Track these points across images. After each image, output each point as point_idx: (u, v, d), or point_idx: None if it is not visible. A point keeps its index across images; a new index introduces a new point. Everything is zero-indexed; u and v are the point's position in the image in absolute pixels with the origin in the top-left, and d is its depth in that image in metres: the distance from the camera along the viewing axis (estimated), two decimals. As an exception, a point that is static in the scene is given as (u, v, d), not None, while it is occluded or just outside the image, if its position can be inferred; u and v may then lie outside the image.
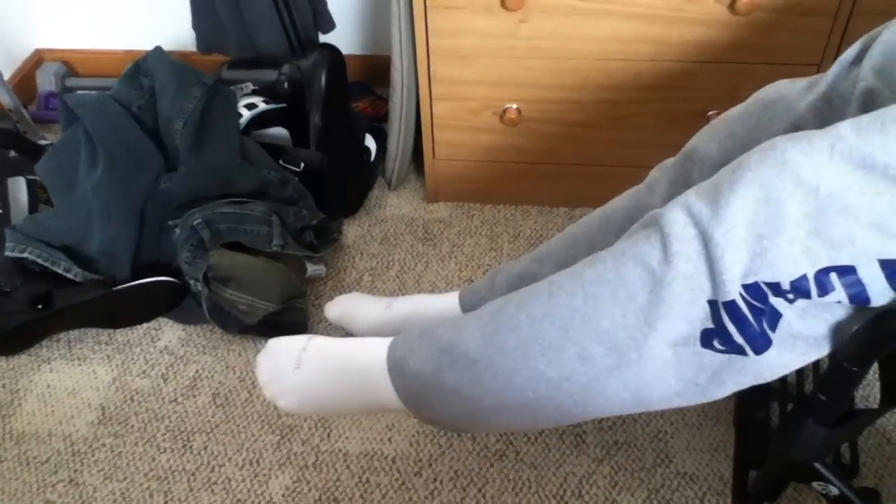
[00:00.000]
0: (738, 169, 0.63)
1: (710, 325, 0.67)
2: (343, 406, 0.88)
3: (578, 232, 0.98)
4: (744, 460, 1.03)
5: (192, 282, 1.17)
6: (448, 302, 1.09)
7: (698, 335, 0.68)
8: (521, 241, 1.39)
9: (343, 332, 1.20)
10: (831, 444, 0.89)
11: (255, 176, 1.24)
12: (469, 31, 1.21)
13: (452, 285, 1.30)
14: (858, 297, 0.62)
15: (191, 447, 1.07)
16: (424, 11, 1.19)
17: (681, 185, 0.85)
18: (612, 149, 1.34)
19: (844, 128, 0.60)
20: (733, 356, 0.68)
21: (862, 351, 0.73)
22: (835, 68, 0.76)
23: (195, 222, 1.17)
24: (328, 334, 1.21)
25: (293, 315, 1.20)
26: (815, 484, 0.89)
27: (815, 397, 0.79)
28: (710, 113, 1.25)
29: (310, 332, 1.21)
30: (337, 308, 1.18)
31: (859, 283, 0.61)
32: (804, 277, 0.62)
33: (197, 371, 1.17)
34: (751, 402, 1.08)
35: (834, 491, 0.87)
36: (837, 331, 0.67)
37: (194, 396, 1.14)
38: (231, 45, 1.52)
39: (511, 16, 1.18)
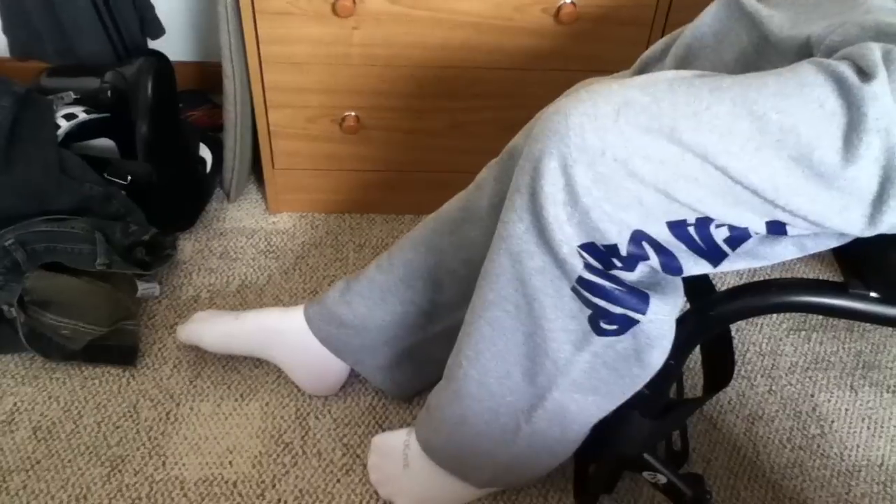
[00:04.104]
0: (529, 143, 0.65)
1: (588, 310, 0.70)
2: (464, 498, 0.98)
3: (415, 235, 0.98)
4: (583, 456, 1.06)
5: (5, 307, 1.08)
6: (293, 316, 1.07)
7: (589, 327, 0.71)
8: (367, 250, 1.37)
9: (198, 350, 1.15)
10: (657, 435, 0.94)
11: (74, 191, 1.15)
12: (301, 37, 1.18)
13: (297, 298, 1.27)
14: (670, 266, 0.65)
15: (7, 488, 0.98)
16: (253, 17, 1.16)
17: (505, 182, 0.87)
18: (452, 156, 1.35)
19: (632, 91, 0.60)
20: (633, 330, 0.71)
21: (676, 346, 0.78)
22: (637, 66, 0.80)
23: (7, 243, 1.08)
24: (174, 355, 1.15)
25: (123, 338, 1.13)
26: (645, 473, 0.93)
27: (640, 391, 0.82)
28: (543, 119, 1.29)
29: (141, 356, 1.15)
30: (186, 327, 1.12)
31: (659, 246, 0.64)
32: (615, 246, 0.64)
33: (15, 404, 1.08)
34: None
35: (662, 479, 0.92)
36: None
37: (12, 432, 1.05)
38: (48, 51, 1.42)
39: (343, 23, 1.16)
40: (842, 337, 1.26)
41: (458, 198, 0.96)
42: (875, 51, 0.56)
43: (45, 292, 1.09)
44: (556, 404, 0.80)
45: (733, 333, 1.25)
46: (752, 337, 1.26)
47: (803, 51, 0.64)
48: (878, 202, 0.57)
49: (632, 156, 0.59)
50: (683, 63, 0.76)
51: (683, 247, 0.64)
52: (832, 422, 1.14)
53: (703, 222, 0.62)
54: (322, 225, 1.41)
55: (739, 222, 0.61)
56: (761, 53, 0.70)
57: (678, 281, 0.72)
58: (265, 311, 1.10)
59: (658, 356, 0.75)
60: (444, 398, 0.88)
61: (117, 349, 1.13)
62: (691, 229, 0.63)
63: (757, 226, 0.61)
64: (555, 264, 0.68)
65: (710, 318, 0.79)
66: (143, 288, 1.21)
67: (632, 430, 0.87)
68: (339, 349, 1.05)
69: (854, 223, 0.59)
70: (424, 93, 1.26)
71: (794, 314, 1.29)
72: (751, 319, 1.28)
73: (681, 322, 0.79)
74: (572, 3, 1.14)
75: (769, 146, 0.57)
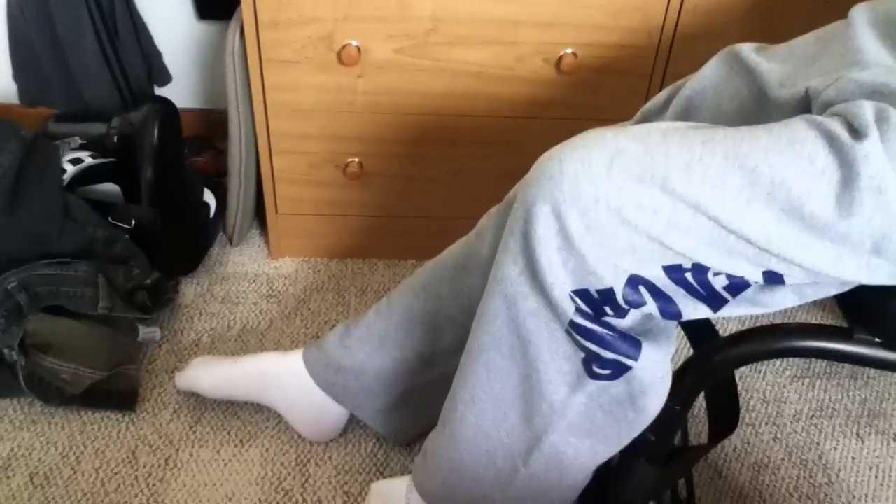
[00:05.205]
0: (523, 187, 0.65)
1: (582, 353, 0.70)
2: None
3: (415, 282, 0.99)
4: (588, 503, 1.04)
5: (5, 350, 1.07)
6: (292, 360, 1.06)
7: (583, 370, 0.71)
8: (369, 295, 1.37)
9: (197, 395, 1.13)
10: (663, 482, 0.93)
11: (78, 235, 1.16)
12: (307, 85, 1.20)
13: (298, 343, 1.26)
14: (668, 311, 0.65)
15: (2, 535, 0.97)
16: (260, 66, 1.18)
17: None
18: (453, 201, 1.36)
19: (626, 140, 0.61)
20: (626, 376, 0.71)
21: (682, 391, 0.77)
22: (638, 118, 0.82)
23: (10, 286, 1.08)
24: (174, 400, 1.14)
25: (123, 382, 1.13)
26: (651, 522, 0.91)
27: (645, 438, 0.81)
28: (544, 166, 1.30)
29: (141, 400, 1.14)
30: (184, 374, 1.12)
31: (656, 290, 0.64)
32: (611, 290, 0.64)
33: (12, 449, 1.07)
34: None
35: (668, 528, 0.90)
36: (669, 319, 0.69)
37: (8, 478, 1.03)
38: (57, 98, 1.44)
39: (348, 71, 1.18)
40: (846, 384, 1.25)
41: (458, 245, 0.96)
42: (868, 109, 0.56)
43: (45, 336, 1.09)
44: (553, 447, 0.79)
45: (737, 381, 1.24)
46: (755, 384, 1.25)
47: (801, 105, 0.65)
48: (874, 255, 0.57)
49: (624, 204, 0.60)
50: (683, 116, 0.77)
51: (682, 291, 0.64)
52: (839, 470, 1.13)
53: (700, 268, 0.62)
54: (324, 270, 1.41)
55: (735, 271, 0.62)
56: (761, 107, 0.71)
57: (670, 329, 0.72)
58: (263, 356, 1.09)
59: (653, 403, 0.74)
60: (440, 442, 0.87)
61: (117, 394, 1.12)
62: (688, 275, 0.63)
63: (753, 275, 0.62)
64: (548, 307, 0.68)
65: (715, 363, 0.78)
66: (144, 332, 1.21)
67: (637, 478, 0.86)
68: (338, 394, 1.04)
69: (850, 273, 0.59)
70: (426, 140, 1.28)
71: (797, 361, 1.28)
72: (754, 366, 1.27)
73: (685, 368, 0.79)
74: (573, 53, 1.16)
75: (760, 199, 0.57)
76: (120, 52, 1.39)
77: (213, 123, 1.62)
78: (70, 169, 1.25)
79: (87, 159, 1.28)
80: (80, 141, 1.34)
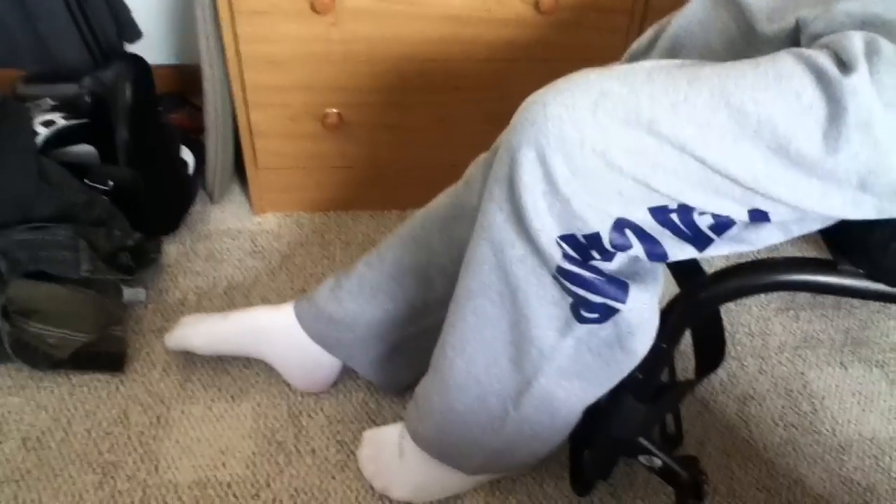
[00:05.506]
0: (508, 133, 0.65)
1: (569, 298, 0.70)
2: (460, 486, 0.98)
3: (404, 232, 0.98)
4: (578, 441, 1.06)
5: (-12, 317, 1.07)
6: (283, 313, 1.06)
7: (571, 314, 0.71)
8: (353, 248, 1.37)
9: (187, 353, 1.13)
10: (651, 418, 0.94)
11: (56, 198, 1.14)
12: (280, 36, 1.17)
13: (285, 298, 1.26)
14: (654, 253, 0.65)
15: (-1, 499, 0.98)
16: (231, 17, 1.15)
17: None
18: (436, 150, 1.34)
19: (610, 82, 0.60)
20: (614, 319, 0.71)
21: (668, 329, 0.78)
22: (625, 60, 0.80)
23: (-11, 253, 1.07)
24: (163, 359, 1.14)
25: (110, 344, 1.12)
26: (640, 457, 0.93)
27: (633, 375, 0.82)
28: (525, 109, 1.28)
29: (129, 361, 1.14)
30: (174, 333, 1.11)
31: (642, 233, 0.64)
32: (597, 235, 0.64)
33: (2, 415, 1.07)
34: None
35: (657, 462, 0.92)
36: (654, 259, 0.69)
37: (0, 443, 1.03)
38: (25, 59, 1.40)
39: (322, 19, 1.16)
40: (830, 315, 1.27)
41: (446, 194, 0.95)
42: (857, 41, 0.55)
43: (28, 301, 1.08)
44: (543, 390, 0.80)
45: (722, 315, 1.25)
46: (740, 318, 1.26)
47: (791, 38, 0.64)
48: (860, 190, 0.57)
49: (610, 147, 0.59)
50: (670, 55, 0.76)
51: (668, 233, 0.64)
52: (823, 398, 1.15)
53: (686, 209, 0.62)
54: (307, 223, 1.40)
55: (721, 211, 0.62)
56: (750, 42, 0.69)
57: (657, 269, 0.72)
58: (254, 310, 1.09)
59: (641, 343, 0.75)
60: (431, 389, 0.88)
61: (105, 356, 1.11)
62: (674, 215, 0.63)
63: (739, 214, 0.62)
64: (535, 253, 0.68)
65: (701, 300, 0.79)
66: (128, 293, 1.20)
67: (626, 414, 0.87)
68: (331, 345, 1.04)
69: (835, 209, 0.59)
70: (406, 87, 1.26)
71: (781, 294, 1.30)
72: (739, 301, 1.29)
73: (671, 305, 0.79)
74: (550, -9, 1.14)
75: (747, 138, 0.57)
76: (86, 8, 1.35)
77: (187, 79, 1.58)
78: (43, 132, 1.23)
79: (60, 121, 1.25)
80: (51, 102, 1.32)
